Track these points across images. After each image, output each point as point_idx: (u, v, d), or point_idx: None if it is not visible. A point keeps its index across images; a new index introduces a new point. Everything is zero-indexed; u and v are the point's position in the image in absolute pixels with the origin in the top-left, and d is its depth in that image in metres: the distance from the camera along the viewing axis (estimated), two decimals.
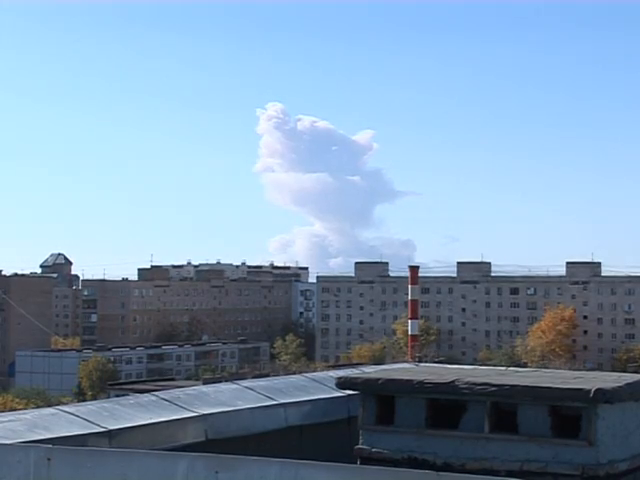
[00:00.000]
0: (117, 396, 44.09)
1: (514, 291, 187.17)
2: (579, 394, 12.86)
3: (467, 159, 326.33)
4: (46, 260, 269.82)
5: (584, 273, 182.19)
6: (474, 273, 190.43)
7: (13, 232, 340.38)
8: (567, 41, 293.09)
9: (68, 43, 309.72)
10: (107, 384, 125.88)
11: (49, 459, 10.07)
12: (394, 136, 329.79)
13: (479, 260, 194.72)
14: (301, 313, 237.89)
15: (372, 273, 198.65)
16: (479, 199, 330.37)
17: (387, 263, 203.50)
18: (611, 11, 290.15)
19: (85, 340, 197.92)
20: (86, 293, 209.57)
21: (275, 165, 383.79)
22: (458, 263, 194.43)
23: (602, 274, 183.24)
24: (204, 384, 32.15)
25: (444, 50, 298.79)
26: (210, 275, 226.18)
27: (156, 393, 15.04)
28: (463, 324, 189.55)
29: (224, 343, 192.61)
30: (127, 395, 23.16)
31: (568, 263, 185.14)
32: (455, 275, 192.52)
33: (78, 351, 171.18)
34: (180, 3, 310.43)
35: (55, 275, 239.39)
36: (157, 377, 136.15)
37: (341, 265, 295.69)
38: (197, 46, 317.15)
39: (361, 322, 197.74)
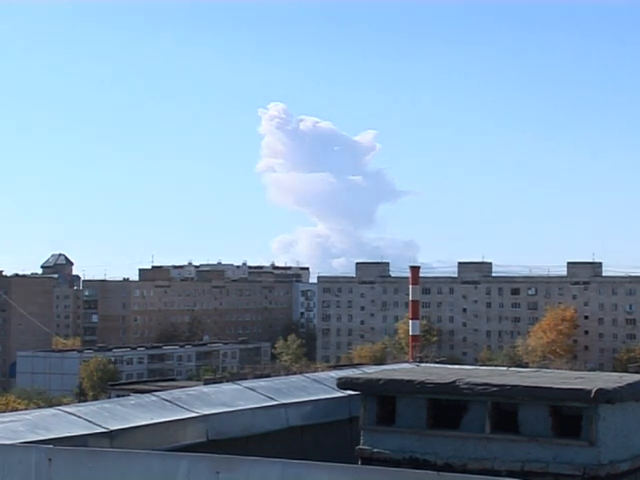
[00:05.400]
0: (118, 396, 44.07)
1: (515, 291, 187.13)
2: (580, 394, 12.86)
3: (469, 159, 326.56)
4: (47, 260, 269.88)
5: (585, 273, 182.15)
6: (475, 273, 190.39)
7: (14, 232, 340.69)
8: (567, 41, 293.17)
9: (68, 44, 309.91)
10: (108, 384, 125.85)
11: (50, 459, 10.08)
12: (396, 136, 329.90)
13: (480, 260, 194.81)
14: (302, 313, 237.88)
15: (373, 273, 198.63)
16: (480, 199, 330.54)
17: (388, 263, 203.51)
18: (611, 13, 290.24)
19: (86, 340, 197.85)
20: (87, 293, 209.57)
21: (277, 165, 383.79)
22: (459, 263, 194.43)
23: (603, 274, 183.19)
24: (205, 384, 32.15)
25: (446, 51, 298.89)
26: (211, 275, 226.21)
27: (157, 393, 15.05)
28: (464, 324, 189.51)
29: (225, 343, 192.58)
30: (128, 395, 23.17)
31: (569, 263, 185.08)
32: (456, 275, 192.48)
33: (79, 351, 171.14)
34: (181, 3, 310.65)
35: (56, 275, 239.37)
36: (158, 377, 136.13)
37: (344, 265, 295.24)
38: (198, 46, 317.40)
39: (362, 322, 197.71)
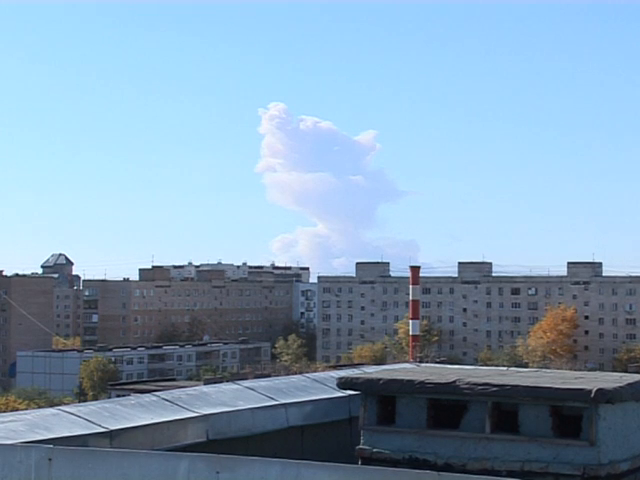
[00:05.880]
0: (118, 396, 44.09)
1: (515, 291, 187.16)
2: (580, 394, 12.86)
3: (469, 159, 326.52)
4: (47, 260, 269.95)
5: (585, 273, 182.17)
6: (475, 273, 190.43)
7: (14, 232, 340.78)
8: (568, 41, 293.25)
9: (71, 43, 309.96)
10: (108, 384, 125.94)
11: (50, 459, 10.08)
12: (397, 136, 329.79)
13: (480, 260, 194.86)
14: (302, 313, 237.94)
15: (373, 273, 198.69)
16: (480, 199, 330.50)
17: (388, 263, 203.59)
18: (610, 12, 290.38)
19: (86, 340, 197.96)
20: (87, 293, 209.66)
21: (277, 165, 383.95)
22: (459, 263, 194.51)
23: (603, 274, 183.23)
24: (205, 384, 32.14)
25: (446, 50, 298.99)
26: (211, 275, 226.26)
27: (157, 393, 15.04)
28: (464, 324, 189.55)
29: (225, 343, 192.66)
30: (128, 395, 23.17)
31: (569, 263, 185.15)
32: (456, 275, 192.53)
33: (79, 351, 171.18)
34: (181, 3, 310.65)
35: (56, 275, 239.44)
36: (158, 377, 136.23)
37: (345, 265, 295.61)
38: (199, 46, 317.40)
39: (362, 322, 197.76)
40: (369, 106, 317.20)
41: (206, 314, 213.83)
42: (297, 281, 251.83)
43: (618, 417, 13.10)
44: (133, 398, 14.90)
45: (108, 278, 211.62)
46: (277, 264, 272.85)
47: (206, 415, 14.33)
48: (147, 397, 14.77)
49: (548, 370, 18.40)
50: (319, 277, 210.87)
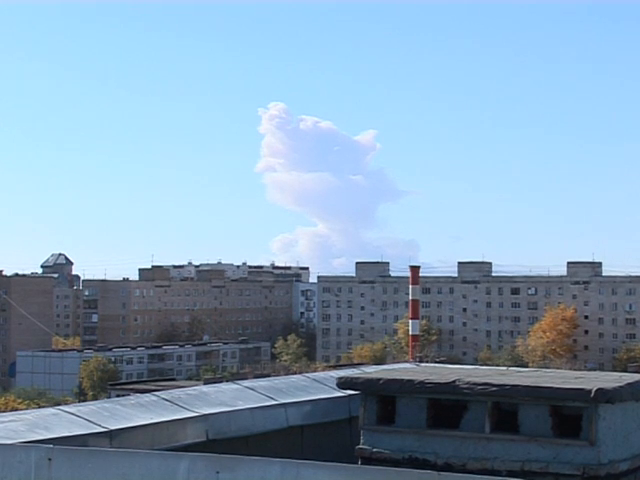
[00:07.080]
0: (118, 396, 44.05)
1: (515, 291, 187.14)
2: (580, 394, 12.85)
3: (469, 159, 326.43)
4: (47, 260, 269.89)
5: (585, 273, 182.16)
6: (475, 273, 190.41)
7: (14, 232, 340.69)
8: (568, 42, 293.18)
9: (71, 43, 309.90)
10: (108, 384, 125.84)
11: (50, 459, 10.07)
12: (397, 136, 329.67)
13: (480, 260, 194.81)
14: (302, 313, 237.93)
15: (373, 273, 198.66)
16: (481, 199, 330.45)
17: (388, 263, 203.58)
18: (609, 12, 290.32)
19: (86, 340, 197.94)
20: (87, 293, 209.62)
21: (277, 165, 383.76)
22: (459, 263, 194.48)
23: (603, 274, 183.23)
24: (205, 384, 32.11)
25: (446, 50, 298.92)
26: (211, 275, 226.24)
27: (157, 393, 15.04)
28: (464, 324, 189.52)
29: (225, 343, 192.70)
30: (128, 395, 23.15)
31: (569, 263, 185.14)
32: (456, 275, 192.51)
33: (79, 351, 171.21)
34: (181, 3, 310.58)
35: (56, 275, 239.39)
36: (158, 377, 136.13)
37: (345, 265, 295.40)
38: (199, 46, 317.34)
39: (362, 322, 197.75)
40: (369, 106, 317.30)
41: (206, 314, 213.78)
42: (297, 281, 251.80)
43: (618, 417, 13.10)
44: (133, 398, 14.89)
45: (108, 278, 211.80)
46: (277, 264, 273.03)
47: (206, 415, 14.33)
48: (147, 397, 14.76)
49: (548, 370, 18.39)
50: (319, 277, 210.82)
